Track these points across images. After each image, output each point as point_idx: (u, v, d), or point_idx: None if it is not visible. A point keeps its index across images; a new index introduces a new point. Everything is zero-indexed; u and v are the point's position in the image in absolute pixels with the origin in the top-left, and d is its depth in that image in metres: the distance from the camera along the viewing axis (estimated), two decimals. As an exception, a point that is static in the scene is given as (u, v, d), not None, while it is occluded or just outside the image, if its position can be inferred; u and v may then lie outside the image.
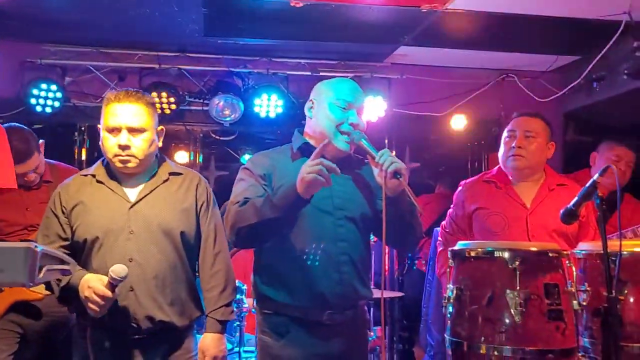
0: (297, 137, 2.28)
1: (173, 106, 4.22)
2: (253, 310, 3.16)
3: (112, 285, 2.00)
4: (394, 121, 4.65)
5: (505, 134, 2.75)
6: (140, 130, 2.18)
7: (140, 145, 2.18)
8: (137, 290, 2.15)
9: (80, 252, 2.20)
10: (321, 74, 4.42)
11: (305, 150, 2.22)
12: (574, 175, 3.36)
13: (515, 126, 2.71)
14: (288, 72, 4.45)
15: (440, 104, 4.71)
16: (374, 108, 4.35)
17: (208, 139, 5.07)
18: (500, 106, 4.81)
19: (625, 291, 2.04)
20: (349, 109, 2.17)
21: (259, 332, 2.22)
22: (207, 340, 2.26)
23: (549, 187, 2.69)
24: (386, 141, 4.90)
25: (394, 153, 2.10)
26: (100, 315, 2.05)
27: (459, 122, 4.68)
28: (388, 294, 4.28)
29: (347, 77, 4.49)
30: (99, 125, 2.25)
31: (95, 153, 5.48)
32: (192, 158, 5.34)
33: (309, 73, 4.43)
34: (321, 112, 2.19)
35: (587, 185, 2.05)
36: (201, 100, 4.44)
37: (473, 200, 2.73)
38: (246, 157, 6.78)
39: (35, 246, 1.55)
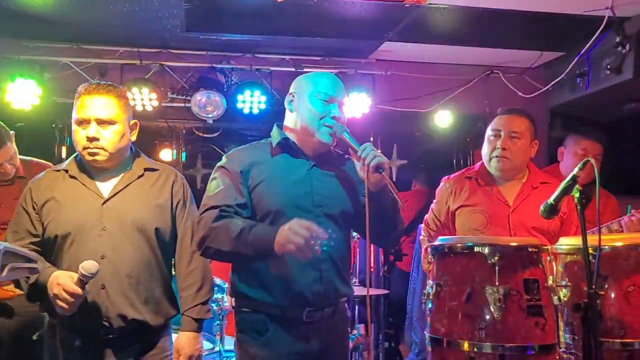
0: (277, 132, 2.23)
1: (155, 103, 4.16)
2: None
3: (82, 282, 1.95)
4: (378, 118, 4.61)
5: (489, 131, 2.71)
6: (110, 122, 2.14)
7: (110, 138, 2.14)
8: (109, 288, 2.10)
9: (52, 248, 2.15)
10: (305, 70, 4.36)
11: (285, 146, 2.18)
12: (543, 171, 3.33)
13: (500, 125, 2.67)
14: (272, 68, 4.40)
15: (425, 100, 4.69)
16: (359, 104, 4.31)
17: (191, 136, 5.02)
18: (485, 102, 4.79)
19: (606, 286, 2.02)
20: (330, 102, 2.13)
21: (237, 331, 2.16)
22: (183, 340, 2.22)
23: (532, 185, 2.67)
24: (371, 138, 4.87)
25: (379, 151, 2.06)
26: (70, 314, 1.99)
27: (444, 118, 4.66)
28: (373, 291, 4.26)
29: (331, 72, 4.47)
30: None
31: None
32: (175, 156, 5.28)
33: (292, 69, 4.38)
34: (302, 106, 2.15)
35: (567, 179, 2.02)
36: (184, 97, 4.39)
37: (456, 197, 2.70)
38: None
39: (-3, 243, 1.50)
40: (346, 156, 2.28)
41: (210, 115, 4.21)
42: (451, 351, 1.95)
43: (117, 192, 2.18)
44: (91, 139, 2.10)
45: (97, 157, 2.14)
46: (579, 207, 1.96)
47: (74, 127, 2.15)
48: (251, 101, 4.23)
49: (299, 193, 2.07)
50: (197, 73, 4.42)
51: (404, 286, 4.49)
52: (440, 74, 4.72)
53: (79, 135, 2.13)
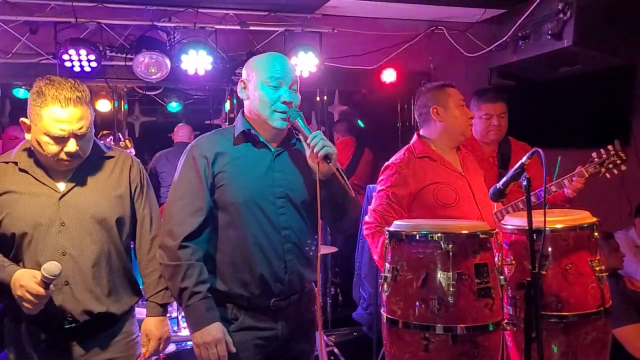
0: (240, 121, 2.23)
1: (93, 64, 3.96)
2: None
3: (46, 283, 1.92)
4: (326, 74, 4.56)
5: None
6: (86, 133, 2.08)
7: (85, 146, 2.10)
8: (73, 284, 2.09)
9: (9, 245, 2.09)
10: (251, 28, 4.26)
11: (248, 135, 2.19)
12: None
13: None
14: (216, 26, 4.24)
15: (371, 57, 4.68)
16: (306, 64, 4.27)
17: (133, 94, 4.84)
18: (429, 59, 4.85)
19: (546, 264, 2.20)
20: (280, 86, 2.13)
21: None
22: (150, 324, 2.26)
23: (462, 153, 2.79)
24: (317, 97, 4.87)
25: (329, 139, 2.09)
26: (36, 312, 1.99)
27: (389, 76, 4.69)
28: (324, 249, 4.38)
29: (277, 30, 4.38)
30: (23, 119, 2.08)
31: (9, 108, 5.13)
32: (116, 106, 5.09)
33: (237, 27, 4.25)
34: (253, 94, 2.17)
35: (515, 167, 2.16)
36: (124, 55, 4.17)
37: (418, 178, 2.62)
38: (173, 104, 6.55)
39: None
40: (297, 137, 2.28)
41: (154, 77, 4.05)
42: (407, 332, 2.10)
43: (74, 186, 2.13)
44: (71, 154, 2.05)
45: (71, 166, 2.10)
46: (526, 194, 2.10)
47: (43, 137, 2.02)
48: (196, 61, 4.09)
49: (261, 186, 2.11)
50: (137, 30, 4.20)
51: (351, 241, 4.64)
52: (386, 30, 4.70)
53: (53, 149, 2.03)
